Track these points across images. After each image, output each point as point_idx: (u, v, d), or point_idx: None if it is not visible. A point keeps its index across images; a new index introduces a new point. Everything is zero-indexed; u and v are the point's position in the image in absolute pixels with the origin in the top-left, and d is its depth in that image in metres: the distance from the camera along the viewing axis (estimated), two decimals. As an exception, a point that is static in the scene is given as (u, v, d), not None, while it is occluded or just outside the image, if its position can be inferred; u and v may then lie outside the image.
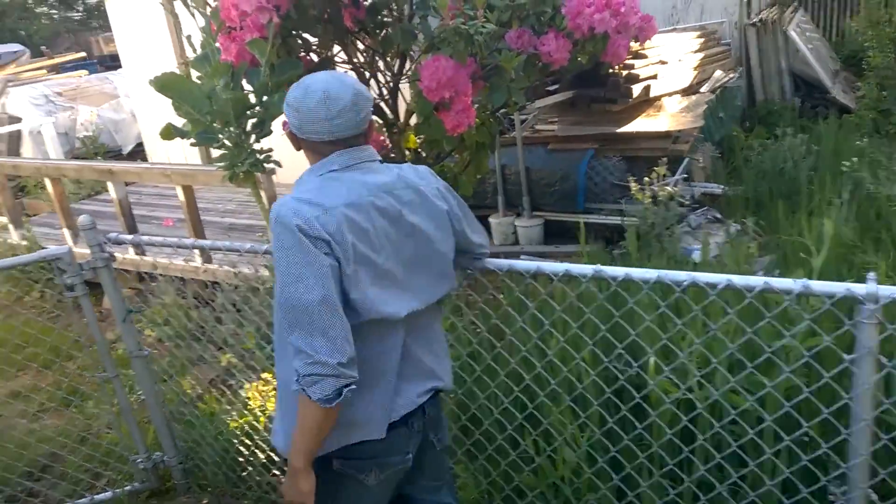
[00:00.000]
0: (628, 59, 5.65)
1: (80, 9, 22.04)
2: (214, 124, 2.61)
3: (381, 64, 3.04)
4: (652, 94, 5.99)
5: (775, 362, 1.99)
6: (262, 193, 3.57)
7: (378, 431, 1.81)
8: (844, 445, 1.89)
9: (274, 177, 3.65)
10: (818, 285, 1.76)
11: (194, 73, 2.69)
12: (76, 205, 7.14)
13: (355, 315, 1.71)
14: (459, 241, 1.95)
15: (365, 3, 2.84)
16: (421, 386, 1.89)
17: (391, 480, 1.90)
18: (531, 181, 5.73)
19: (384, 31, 2.91)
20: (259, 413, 3.13)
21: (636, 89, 5.77)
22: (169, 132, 2.67)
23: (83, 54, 17.21)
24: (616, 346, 2.26)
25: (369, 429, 1.80)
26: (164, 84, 2.56)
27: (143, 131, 8.73)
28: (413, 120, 3.05)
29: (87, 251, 2.88)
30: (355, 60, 2.99)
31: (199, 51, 2.70)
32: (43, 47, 18.94)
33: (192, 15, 2.73)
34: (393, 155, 3.06)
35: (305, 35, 2.86)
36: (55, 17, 21.92)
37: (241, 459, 3.15)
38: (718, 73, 7.10)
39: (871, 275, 1.74)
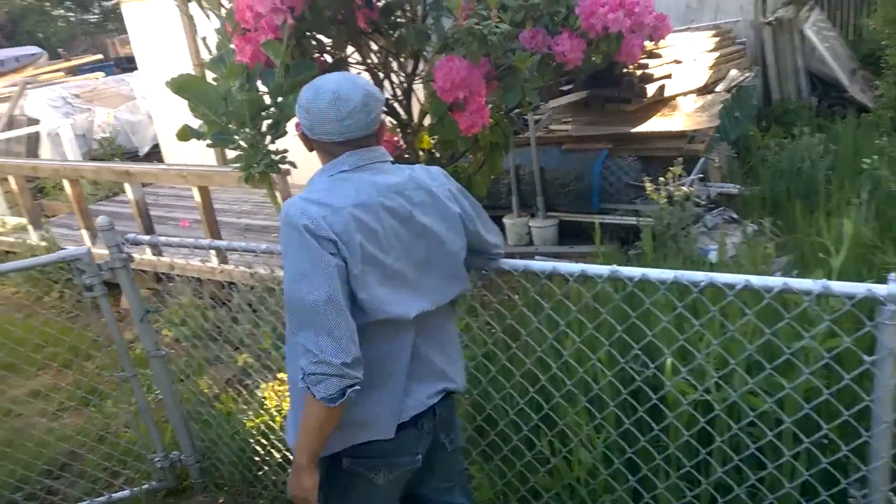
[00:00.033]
0: (642, 58, 5.61)
1: (97, 11, 22.22)
2: (230, 125, 2.62)
3: (394, 65, 3.04)
4: (667, 93, 5.96)
5: (794, 364, 1.97)
6: (278, 194, 3.58)
7: (386, 432, 1.81)
8: (865, 448, 1.87)
9: (289, 178, 3.66)
10: (838, 286, 1.74)
11: (210, 75, 2.70)
12: (94, 206, 7.20)
13: (363, 315, 1.72)
14: (473, 241, 1.95)
15: (378, 3, 2.84)
16: (431, 387, 1.88)
17: (400, 480, 1.91)
18: (545, 181, 5.72)
19: (398, 32, 2.91)
20: (275, 413, 3.14)
21: (650, 89, 5.74)
22: (185, 133, 2.68)
23: (100, 56, 17.35)
24: (632, 347, 2.25)
25: (377, 429, 1.81)
26: (181, 85, 2.57)
27: (159, 133, 8.79)
28: (427, 120, 3.05)
29: (106, 252, 2.90)
30: (369, 61, 2.99)
31: (214, 52, 2.71)
32: (60, 50, 19.13)
33: (208, 16, 2.75)
34: (407, 156, 3.06)
35: (319, 36, 2.86)
36: (72, 19, 22.12)
37: (257, 459, 3.16)
38: (734, 73, 7.05)
39: (893, 275, 1.72)
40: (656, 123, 5.70)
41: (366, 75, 3.00)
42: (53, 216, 7.50)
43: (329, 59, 2.93)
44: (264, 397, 3.24)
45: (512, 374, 2.49)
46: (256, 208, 6.72)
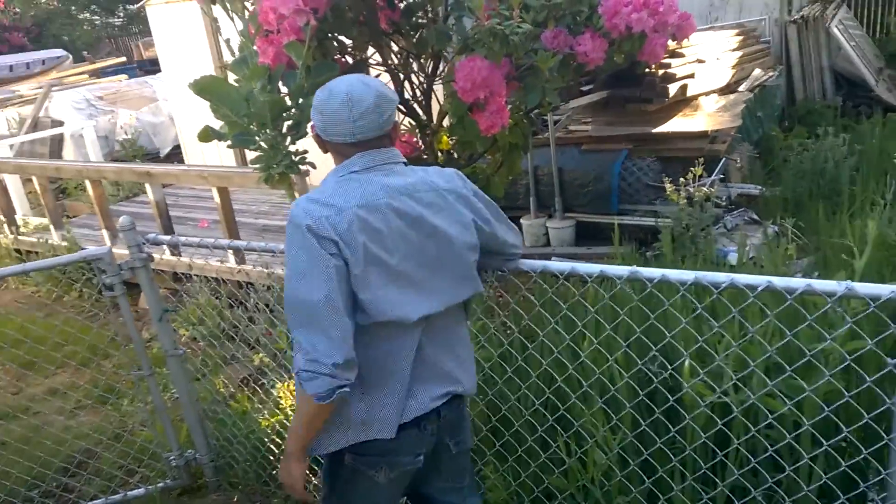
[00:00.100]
0: (665, 57, 5.57)
1: (121, 15, 22.47)
2: (251, 126, 2.63)
3: (414, 65, 3.03)
4: (689, 93, 5.91)
5: (814, 366, 1.95)
6: (297, 195, 3.59)
7: (387, 431, 1.82)
8: (885, 451, 1.85)
9: (308, 178, 3.67)
10: (862, 287, 1.71)
11: (232, 77, 2.72)
12: (115, 206, 7.27)
13: (365, 316, 1.73)
14: (489, 243, 1.94)
15: (400, 4, 2.84)
16: (436, 389, 1.88)
17: (402, 479, 1.92)
18: (564, 182, 5.69)
19: (419, 33, 2.90)
20: (290, 412, 3.15)
21: (672, 88, 5.70)
22: (207, 134, 2.70)
23: (123, 59, 17.54)
24: (649, 349, 2.23)
25: (378, 428, 1.82)
26: (203, 87, 2.59)
27: (180, 134, 8.87)
28: (446, 121, 3.04)
29: (126, 252, 2.92)
30: (390, 62, 2.99)
31: (237, 54, 2.73)
32: (85, 53, 19.37)
33: (231, 19, 2.76)
34: (425, 156, 3.06)
35: (341, 37, 2.87)
36: (97, 23, 22.38)
37: (271, 458, 3.17)
38: (757, 72, 6.98)
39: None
40: (677, 123, 5.65)
41: (386, 76, 3.00)
42: (75, 216, 7.58)
43: (350, 60, 2.93)
44: (279, 397, 3.25)
45: (528, 375, 2.48)
46: (274, 209, 6.75)
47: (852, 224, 3.05)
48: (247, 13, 2.74)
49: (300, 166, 2.70)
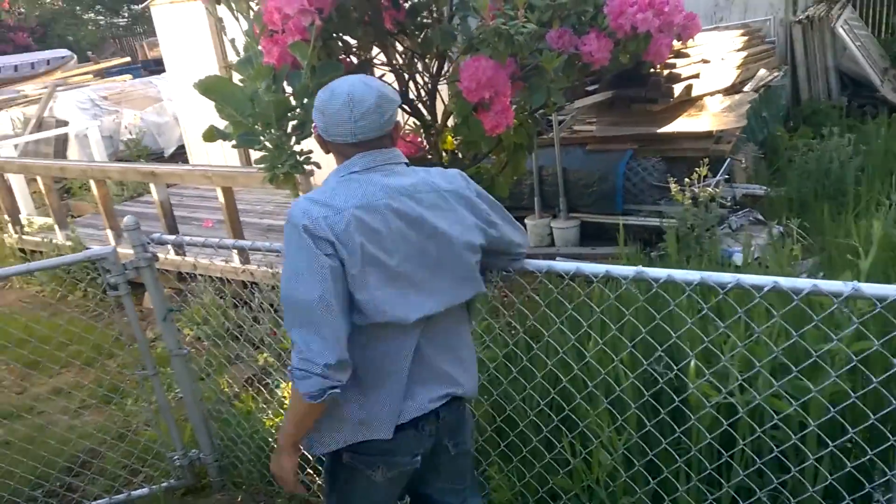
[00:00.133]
0: (670, 57, 5.56)
1: (126, 15, 22.51)
2: (256, 126, 2.63)
3: (419, 65, 3.03)
4: (694, 93, 5.90)
5: (819, 366, 1.94)
6: (301, 195, 3.59)
7: (384, 432, 1.82)
8: (890, 452, 1.85)
9: (312, 178, 3.67)
10: (869, 288, 1.71)
11: (236, 77, 2.72)
12: (119, 206, 7.27)
13: (362, 316, 1.73)
14: (494, 243, 1.93)
15: (405, 4, 2.83)
16: (435, 391, 1.87)
17: (399, 478, 1.92)
18: (568, 182, 5.69)
19: (424, 33, 2.90)
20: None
21: (677, 89, 5.69)
22: (211, 134, 2.70)
23: (128, 59, 17.59)
24: (655, 349, 2.23)
25: (375, 429, 1.82)
26: (208, 87, 2.59)
27: (184, 134, 8.88)
28: (451, 121, 3.04)
29: (130, 251, 2.92)
30: (394, 62, 2.99)
31: (241, 54, 2.73)
32: (89, 52, 19.39)
33: (236, 18, 2.76)
34: (430, 156, 3.05)
35: (346, 37, 2.86)
36: (101, 23, 22.43)
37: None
38: (762, 72, 6.96)
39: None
40: (682, 124, 5.64)
41: (391, 76, 3.00)
42: (79, 216, 7.59)
43: (355, 60, 2.93)
44: (284, 396, 3.25)
45: (533, 375, 2.48)
46: (279, 209, 6.75)
47: (857, 224, 3.03)
48: (251, 13, 2.74)
49: (305, 166, 2.70)
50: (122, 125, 10.34)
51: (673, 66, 5.83)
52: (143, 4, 9.57)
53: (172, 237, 3.06)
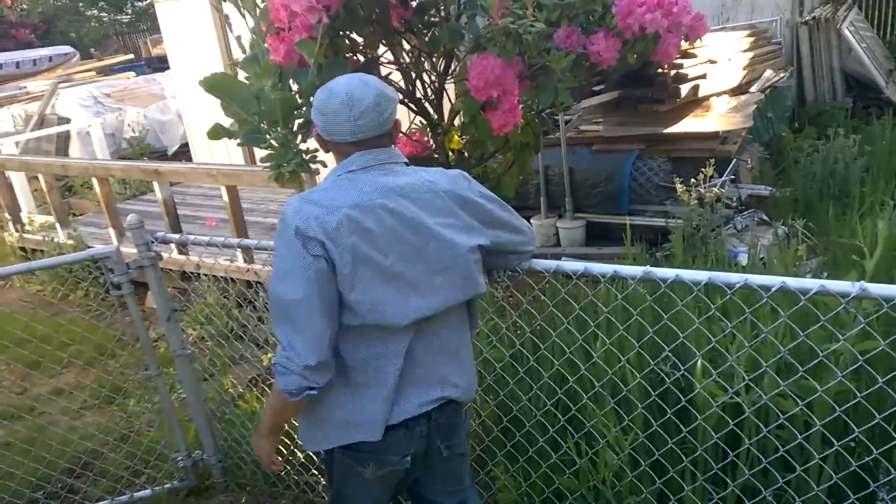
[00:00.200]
0: (677, 58, 5.56)
1: (129, 12, 22.52)
2: (262, 124, 2.61)
3: (426, 64, 3.01)
4: (700, 93, 5.89)
5: (825, 366, 1.95)
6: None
7: (374, 434, 1.82)
8: (895, 451, 1.85)
9: (318, 177, 3.64)
10: (876, 288, 1.70)
11: (242, 74, 2.70)
12: (121, 205, 7.27)
13: (354, 316, 1.73)
14: (498, 243, 1.91)
15: (412, 3, 2.82)
16: (428, 393, 1.86)
17: (391, 477, 1.91)
18: (575, 182, 5.68)
19: (431, 31, 2.88)
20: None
21: (684, 89, 5.68)
22: (217, 132, 2.69)
23: (131, 56, 17.60)
24: (662, 349, 2.23)
25: (364, 430, 1.82)
26: (213, 84, 2.58)
27: (188, 132, 8.86)
28: (457, 120, 3.02)
29: (133, 250, 2.90)
30: (401, 61, 2.97)
31: (247, 51, 2.71)
32: (92, 49, 19.40)
33: (243, 16, 2.75)
34: (436, 155, 3.04)
35: (353, 35, 2.85)
36: (105, 20, 22.44)
37: (279, 459, 3.14)
38: (768, 73, 6.95)
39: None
40: (689, 124, 5.63)
41: (397, 75, 2.98)
42: (81, 215, 7.57)
43: (361, 58, 2.91)
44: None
45: (539, 375, 2.47)
46: (283, 208, 6.72)
47: (862, 225, 3.02)
48: (258, 10, 2.73)
49: (311, 165, 2.68)
50: (125, 123, 10.33)
51: (680, 66, 5.82)
52: (147, 1, 9.57)
53: (177, 236, 3.04)
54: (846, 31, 7.81)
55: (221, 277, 3.44)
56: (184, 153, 9.82)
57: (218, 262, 5.00)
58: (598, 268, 2.05)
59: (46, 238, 6.46)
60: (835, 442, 1.93)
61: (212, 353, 3.75)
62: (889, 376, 1.80)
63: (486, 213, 1.87)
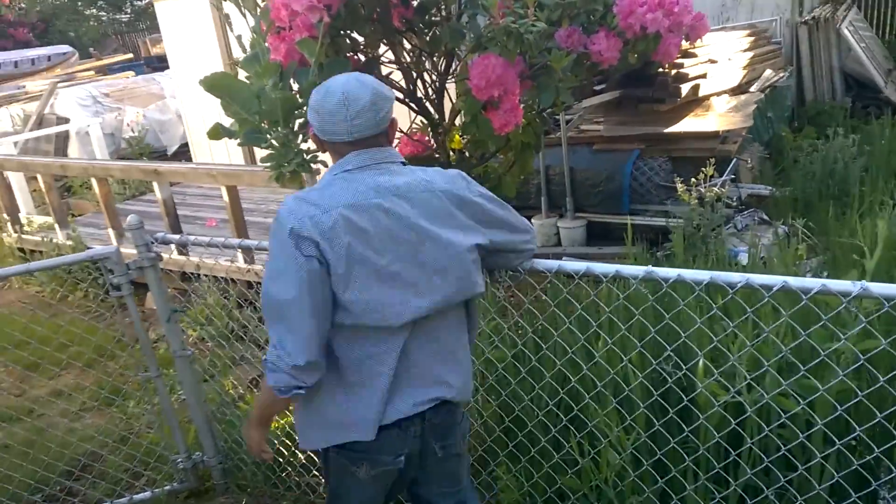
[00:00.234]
0: (677, 58, 5.55)
1: (129, 11, 22.48)
2: (262, 124, 2.61)
3: (427, 64, 3.01)
4: (701, 93, 5.89)
5: (826, 365, 1.95)
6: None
7: (366, 434, 1.81)
8: None
9: (319, 177, 3.64)
10: (877, 287, 1.70)
11: (242, 73, 2.69)
12: (121, 205, 7.23)
13: (349, 315, 1.73)
14: (497, 242, 1.90)
15: (413, 2, 2.81)
16: (422, 394, 1.85)
17: (385, 476, 1.91)
18: (575, 182, 5.68)
19: (432, 31, 2.88)
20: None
21: (684, 89, 5.68)
22: (217, 132, 2.68)
23: (130, 56, 17.56)
24: (663, 348, 2.23)
25: (356, 430, 1.82)
26: (214, 84, 2.58)
27: (188, 131, 8.85)
28: (458, 120, 3.01)
29: (132, 251, 2.89)
30: (402, 60, 2.96)
31: (248, 51, 2.71)
32: (91, 49, 19.37)
33: (244, 15, 2.74)
34: (437, 155, 3.03)
35: (354, 34, 2.84)
36: (103, 19, 22.40)
37: (280, 460, 3.14)
38: (768, 73, 6.95)
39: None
40: (689, 123, 5.63)
41: (398, 74, 2.97)
42: (80, 215, 7.54)
43: (362, 57, 2.90)
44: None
45: (542, 375, 2.47)
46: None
47: (862, 224, 3.03)
48: (258, 9, 2.72)
49: (312, 165, 2.67)
50: (124, 122, 10.31)
51: (680, 65, 5.82)
52: (147, 0, 9.55)
53: (177, 236, 3.03)
54: (845, 31, 7.82)
55: (222, 278, 3.42)
56: (183, 153, 9.80)
57: (218, 262, 5.01)
58: (600, 268, 2.05)
59: (45, 239, 6.42)
60: (836, 441, 1.94)
61: (212, 354, 3.73)
62: (890, 375, 1.80)
63: (484, 213, 1.86)
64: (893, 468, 1.88)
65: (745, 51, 6.98)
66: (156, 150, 10.28)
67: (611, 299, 2.61)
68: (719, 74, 6.23)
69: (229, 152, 7.99)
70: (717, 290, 1.94)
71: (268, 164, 2.72)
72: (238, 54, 2.79)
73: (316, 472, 3.07)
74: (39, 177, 6.48)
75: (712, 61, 6.30)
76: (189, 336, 4.55)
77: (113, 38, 21.96)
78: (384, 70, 2.98)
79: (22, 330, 4.09)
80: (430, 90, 3.04)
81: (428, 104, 3.05)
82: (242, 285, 4.13)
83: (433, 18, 2.87)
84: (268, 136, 2.64)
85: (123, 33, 22.43)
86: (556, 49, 2.58)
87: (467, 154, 3.10)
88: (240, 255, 5.02)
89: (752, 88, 6.50)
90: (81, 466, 3.46)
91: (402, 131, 3.21)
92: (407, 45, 2.97)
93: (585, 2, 2.67)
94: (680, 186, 4.81)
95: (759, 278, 1.82)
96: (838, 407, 1.90)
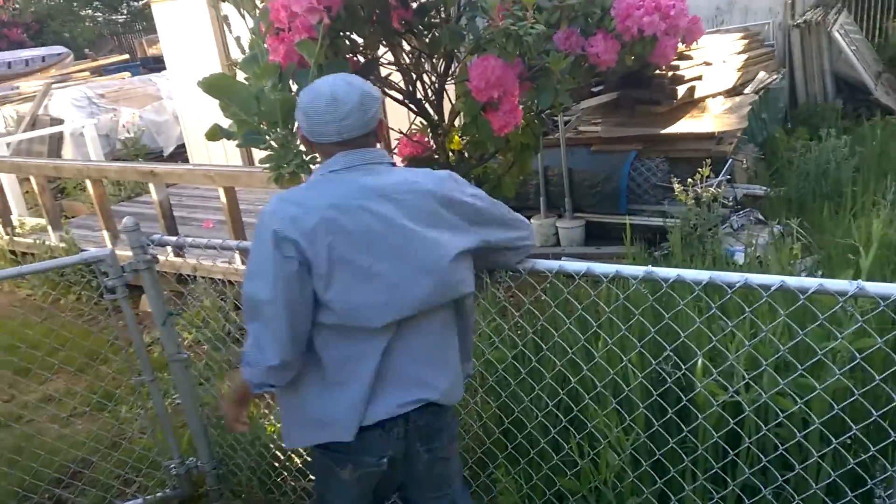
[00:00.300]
0: (673, 60, 5.59)
1: (125, 11, 22.39)
2: (261, 125, 2.60)
3: (426, 65, 3.01)
4: (696, 95, 5.92)
5: (822, 364, 1.96)
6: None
7: (345, 434, 1.80)
8: (891, 448, 1.88)
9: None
10: (873, 286, 1.71)
11: (241, 75, 2.69)
12: (115, 206, 7.18)
13: (331, 315, 1.73)
14: (490, 241, 1.89)
15: (413, 4, 2.82)
16: (405, 395, 1.82)
17: (369, 478, 1.89)
18: (573, 182, 5.70)
19: (431, 33, 2.88)
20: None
21: (681, 90, 5.70)
22: (215, 133, 2.68)
23: (126, 56, 17.48)
24: (662, 348, 2.24)
25: (336, 429, 1.81)
26: (212, 85, 2.57)
27: (185, 133, 8.82)
28: (458, 121, 3.02)
29: (127, 253, 2.85)
30: (402, 61, 2.96)
31: (246, 52, 2.70)
32: (86, 50, 19.29)
33: (242, 16, 2.74)
34: (437, 156, 3.04)
35: (353, 36, 2.84)
36: (99, 19, 22.31)
37: (276, 465, 3.11)
38: (762, 75, 6.99)
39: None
40: (685, 125, 5.67)
41: (398, 76, 2.97)
42: (74, 217, 7.50)
43: (362, 59, 2.90)
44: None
45: (541, 376, 2.47)
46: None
47: (856, 223, 3.05)
48: (257, 11, 2.72)
49: (311, 166, 2.67)
50: (119, 123, 10.26)
51: (676, 68, 5.85)
52: (143, 1, 9.53)
53: (174, 238, 3.01)
54: (836, 34, 7.87)
55: (218, 280, 3.40)
56: (180, 154, 9.76)
57: (215, 264, 4.99)
58: (600, 268, 2.05)
59: (38, 241, 6.33)
60: (833, 440, 1.94)
61: (208, 358, 3.70)
62: (885, 374, 1.81)
63: (475, 212, 1.85)
64: (889, 466, 1.89)
65: (739, 53, 7.02)
66: (152, 152, 10.24)
67: (610, 299, 2.61)
68: (714, 76, 6.26)
69: (227, 154, 7.98)
70: (716, 289, 1.94)
71: (267, 166, 2.71)
72: (235, 55, 2.78)
73: (312, 478, 3.05)
74: (32, 178, 6.40)
75: (707, 64, 6.33)
76: (185, 339, 4.52)
77: (109, 38, 21.88)
78: (384, 71, 2.98)
79: (12, 334, 4.00)
80: (429, 91, 3.05)
81: (427, 105, 3.05)
82: (239, 287, 4.12)
83: (433, 20, 2.88)
84: (266, 137, 2.63)
85: (120, 34, 22.35)
86: (555, 51, 2.59)
87: (467, 155, 3.10)
88: (237, 257, 5.01)
89: (747, 90, 6.53)
90: (71, 473, 3.38)
91: (401, 132, 3.22)
92: (406, 47, 2.97)
93: (584, 5, 2.69)
94: (677, 187, 4.84)
95: (757, 278, 1.83)
96: (835, 405, 1.91)
